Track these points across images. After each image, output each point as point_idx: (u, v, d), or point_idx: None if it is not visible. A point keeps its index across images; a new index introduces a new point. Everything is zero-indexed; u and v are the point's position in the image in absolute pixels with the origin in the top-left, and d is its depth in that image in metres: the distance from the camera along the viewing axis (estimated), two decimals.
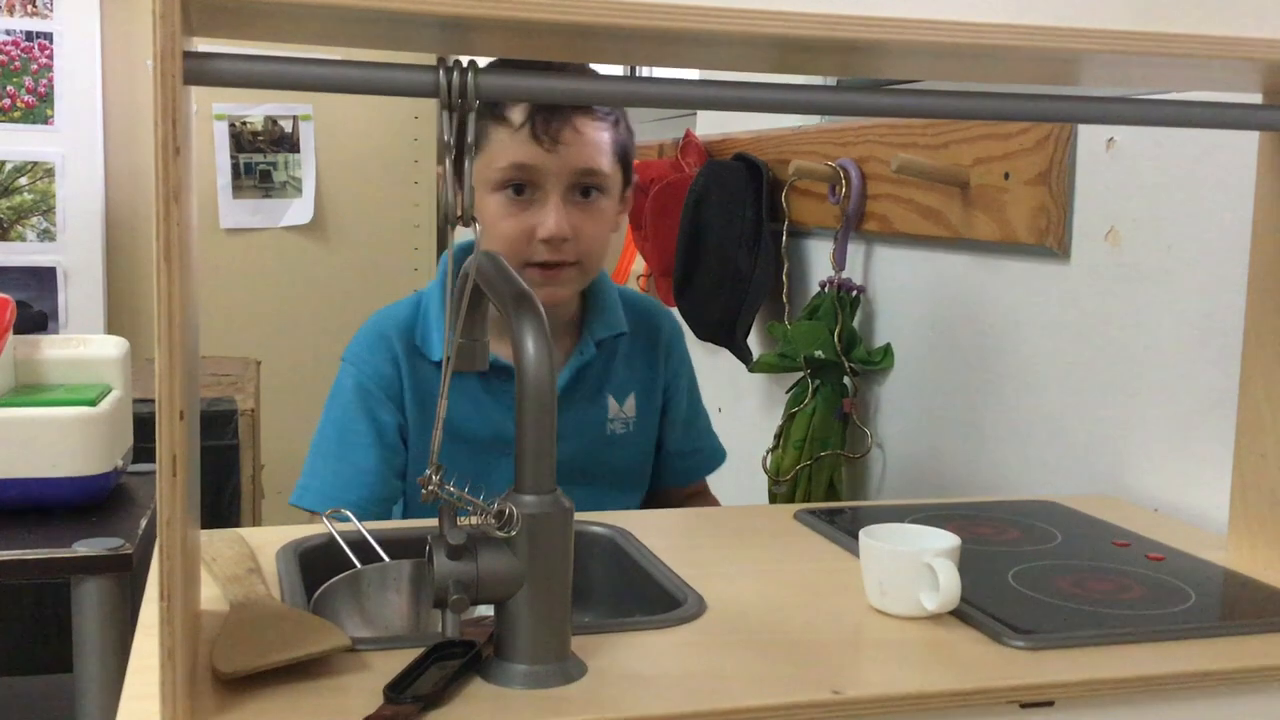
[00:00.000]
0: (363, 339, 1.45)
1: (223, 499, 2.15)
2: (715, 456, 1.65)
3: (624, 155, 1.43)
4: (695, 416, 1.62)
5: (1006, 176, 1.52)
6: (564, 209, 1.35)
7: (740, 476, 1.80)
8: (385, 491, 1.40)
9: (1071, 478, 1.45)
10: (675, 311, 1.73)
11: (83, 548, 1.18)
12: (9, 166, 3.14)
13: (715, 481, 1.69)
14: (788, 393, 1.91)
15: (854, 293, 1.85)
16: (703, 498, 1.67)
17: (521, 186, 1.35)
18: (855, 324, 1.85)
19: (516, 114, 1.34)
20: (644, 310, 1.56)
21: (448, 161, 0.76)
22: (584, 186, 1.37)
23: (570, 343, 1.47)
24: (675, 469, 1.60)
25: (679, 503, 1.61)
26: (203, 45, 0.74)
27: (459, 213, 0.77)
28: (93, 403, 1.29)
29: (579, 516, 0.94)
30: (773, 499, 1.87)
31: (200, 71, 0.71)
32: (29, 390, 1.33)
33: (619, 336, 1.49)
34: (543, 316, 0.81)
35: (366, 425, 1.40)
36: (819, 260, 2.02)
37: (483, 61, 0.77)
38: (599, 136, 1.38)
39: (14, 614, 1.80)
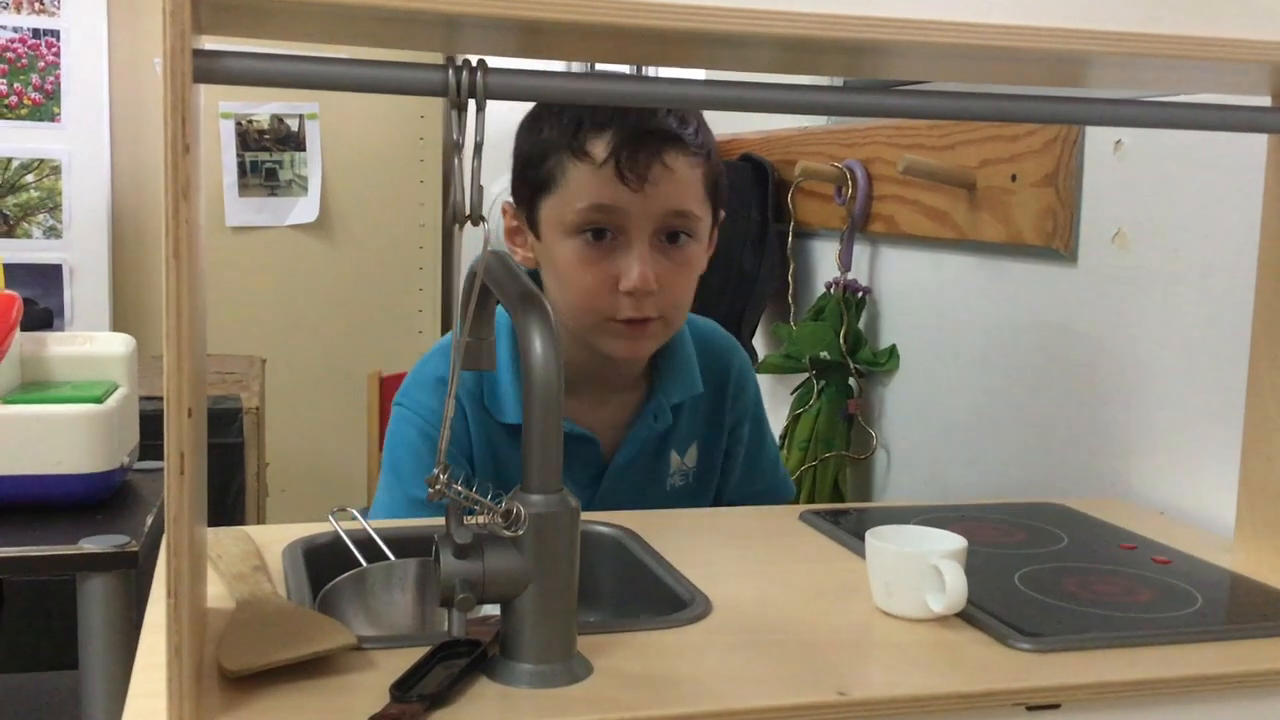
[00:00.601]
0: (424, 385, 1.31)
1: (227, 497, 2.16)
2: (778, 497, 1.49)
3: (715, 192, 1.28)
4: (759, 457, 1.46)
5: (1013, 178, 1.52)
6: (650, 257, 1.21)
7: None
8: None
9: (1078, 480, 1.45)
10: None
11: (88, 545, 1.18)
12: (15, 164, 3.15)
13: None
14: (793, 394, 1.91)
15: (859, 294, 1.85)
16: None
17: (602, 231, 1.21)
18: (860, 325, 1.85)
19: (599, 149, 1.20)
20: (714, 351, 1.41)
21: (457, 160, 0.76)
22: (672, 230, 1.23)
23: (640, 395, 1.35)
24: (745, 494, 1.46)
25: None
26: (210, 44, 0.74)
27: (467, 212, 0.77)
28: (99, 400, 1.30)
29: (585, 516, 0.94)
30: None
31: (210, 69, 0.71)
32: (35, 387, 1.34)
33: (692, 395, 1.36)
34: (550, 315, 0.80)
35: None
36: (825, 261, 2.02)
37: (493, 61, 0.77)
38: (690, 174, 1.23)
39: (19, 610, 1.80)
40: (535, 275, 1.32)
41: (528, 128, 1.29)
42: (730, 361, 1.42)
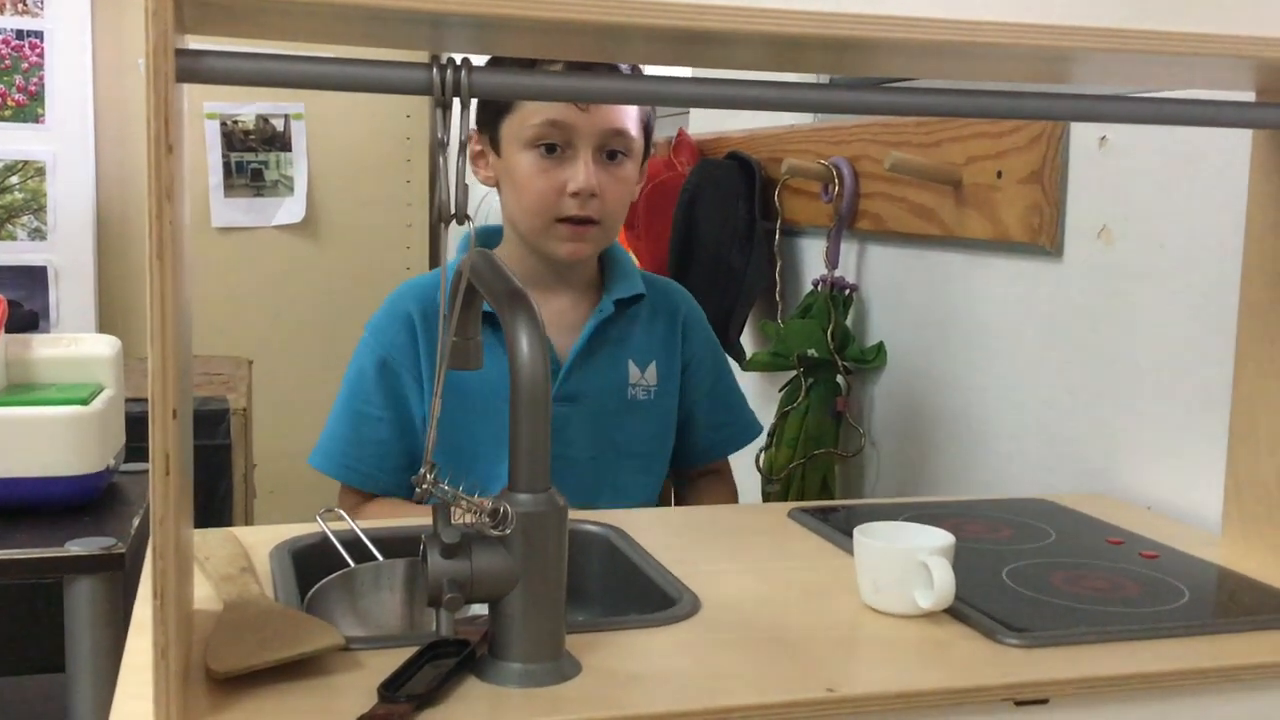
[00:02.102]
0: (385, 308, 1.48)
1: (214, 499, 2.15)
2: (747, 431, 1.64)
3: (647, 125, 1.48)
4: (722, 390, 1.61)
5: (999, 175, 1.52)
6: (593, 167, 1.40)
7: (734, 475, 1.80)
8: (398, 463, 1.44)
9: (1065, 476, 1.45)
10: None
11: (75, 547, 1.18)
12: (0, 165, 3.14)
13: None
14: (781, 391, 1.91)
15: (847, 291, 1.85)
16: (719, 477, 1.65)
17: (553, 146, 1.40)
18: (848, 322, 1.85)
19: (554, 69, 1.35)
20: (663, 287, 1.59)
21: (441, 158, 0.75)
22: (611, 149, 1.43)
23: (591, 303, 1.51)
24: (701, 443, 1.59)
25: (691, 484, 1.62)
26: (194, 43, 0.73)
27: (453, 211, 0.77)
28: (85, 402, 1.29)
29: (574, 515, 0.94)
30: (766, 497, 1.87)
31: (193, 69, 0.71)
32: (21, 390, 1.33)
33: (637, 300, 1.51)
34: (536, 315, 0.80)
35: (382, 399, 1.43)
36: (812, 259, 2.02)
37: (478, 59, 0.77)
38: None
39: (6, 613, 1.79)
40: (495, 233, 1.51)
41: (490, 64, 1.38)
42: (680, 301, 1.58)
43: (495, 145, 1.46)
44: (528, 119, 1.40)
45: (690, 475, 1.63)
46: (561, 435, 1.43)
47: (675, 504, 1.64)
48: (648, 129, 1.49)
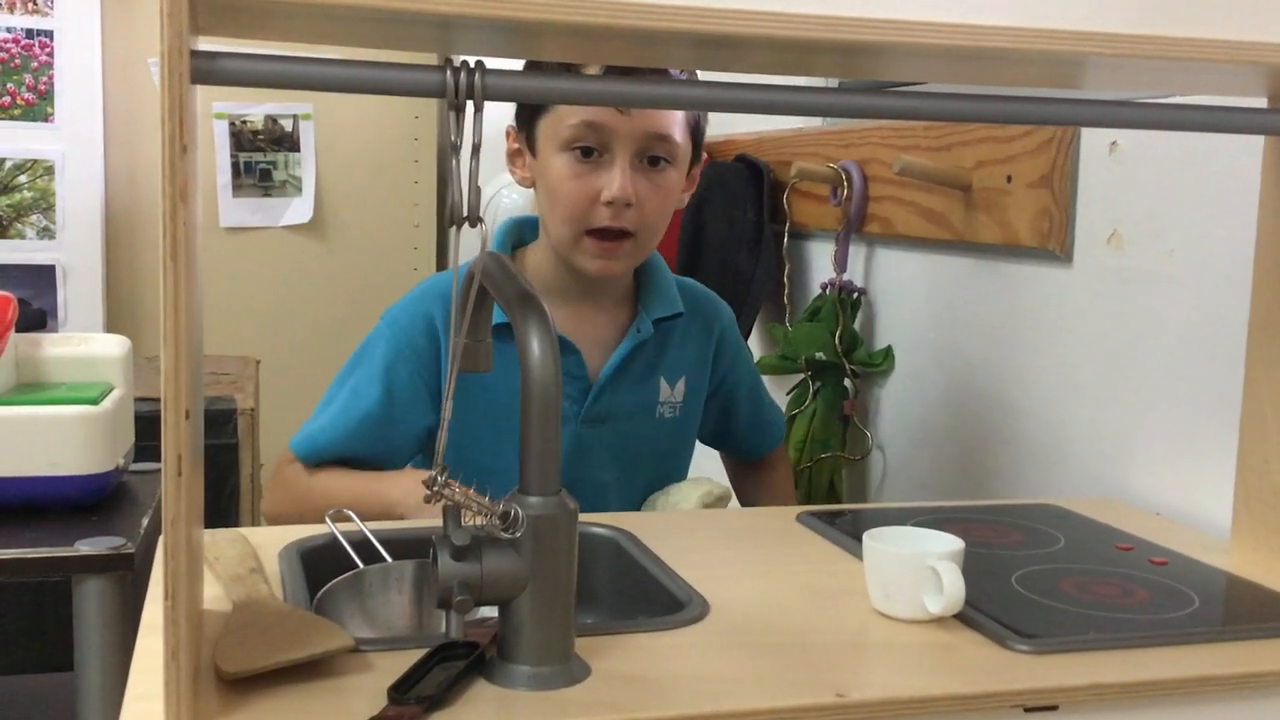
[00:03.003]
0: (407, 304, 1.40)
1: (221, 498, 2.15)
2: (780, 421, 1.66)
3: (696, 129, 1.39)
4: (759, 392, 1.60)
5: (1009, 179, 1.52)
6: (631, 174, 1.31)
7: None
8: (378, 452, 1.37)
9: (1074, 481, 1.45)
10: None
11: (84, 547, 1.18)
12: (9, 164, 3.14)
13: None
14: (788, 394, 1.91)
15: (855, 295, 1.85)
16: (786, 463, 1.68)
17: (590, 149, 1.32)
18: (856, 326, 1.85)
19: (591, 72, 1.26)
20: (700, 297, 1.52)
21: (454, 161, 0.75)
22: (653, 155, 1.33)
23: (626, 319, 1.44)
24: (752, 441, 1.61)
25: (767, 475, 1.63)
26: (206, 45, 0.74)
27: (465, 213, 0.77)
28: (94, 401, 1.29)
29: (583, 518, 0.94)
30: None
31: (207, 70, 0.71)
32: (30, 389, 1.33)
33: (675, 317, 1.44)
34: (547, 317, 0.80)
35: (380, 393, 1.36)
36: (820, 262, 2.02)
37: (490, 62, 0.77)
38: None
39: (15, 613, 1.79)
40: (529, 225, 1.45)
41: (528, 67, 1.34)
42: (718, 310, 1.53)
43: (531, 145, 1.38)
44: (564, 119, 1.32)
45: (746, 469, 1.64)
46: (588, 458, 1.40)
47: (739, 499, 1.65)
48: (696, 133, 1.39)
